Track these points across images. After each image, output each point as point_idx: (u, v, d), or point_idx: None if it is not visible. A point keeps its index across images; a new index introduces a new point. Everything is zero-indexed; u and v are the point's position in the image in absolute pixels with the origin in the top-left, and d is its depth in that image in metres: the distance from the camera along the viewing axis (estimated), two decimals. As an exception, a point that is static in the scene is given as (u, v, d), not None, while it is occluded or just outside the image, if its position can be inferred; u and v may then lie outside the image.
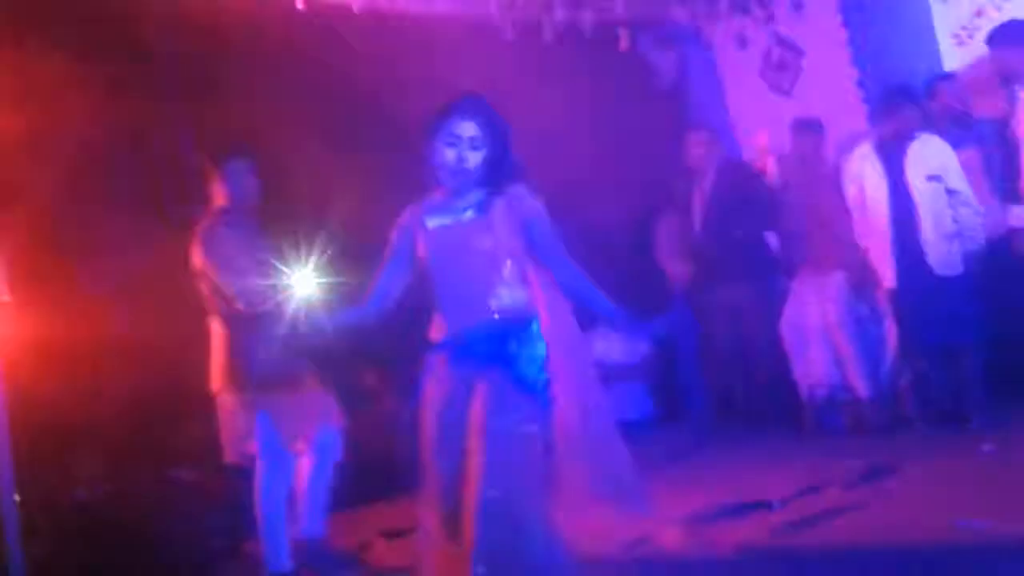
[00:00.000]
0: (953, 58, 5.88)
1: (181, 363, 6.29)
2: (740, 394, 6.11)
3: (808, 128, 5.91)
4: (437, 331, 2.93)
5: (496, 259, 2.83)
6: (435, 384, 2.89)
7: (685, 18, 6.87)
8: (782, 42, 6.97)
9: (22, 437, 4.14)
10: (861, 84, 6.37)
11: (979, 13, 5.80)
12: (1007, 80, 5.04)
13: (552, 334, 2.86)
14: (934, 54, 5.99)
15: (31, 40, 5.02)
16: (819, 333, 5.68)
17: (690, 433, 6.16)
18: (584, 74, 6.36)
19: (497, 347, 2.81)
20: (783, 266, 6.07)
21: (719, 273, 6.02)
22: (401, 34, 5.91)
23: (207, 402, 6.22)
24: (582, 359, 3.02)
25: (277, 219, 4.34)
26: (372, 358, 6.62)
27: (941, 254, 5.04)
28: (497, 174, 2.85)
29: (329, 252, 3.24)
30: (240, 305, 3.93)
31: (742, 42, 7.07)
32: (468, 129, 2.81)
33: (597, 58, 6.57)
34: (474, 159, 2.82)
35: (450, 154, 2.82)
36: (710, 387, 6.37)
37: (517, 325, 2.84)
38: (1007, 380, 5.05)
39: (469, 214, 2.87)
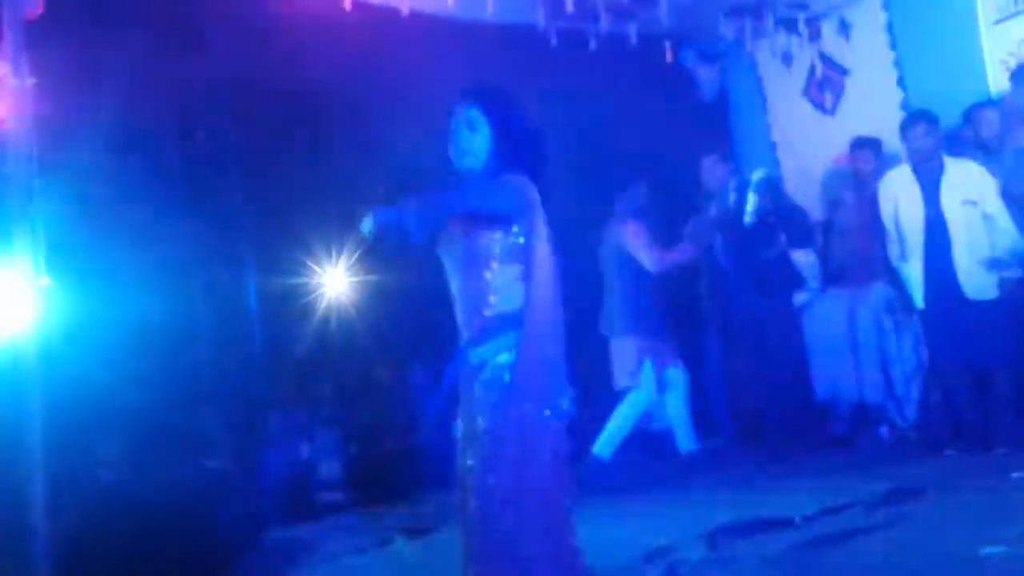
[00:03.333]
0: (1001, 84, 5.80)
1: (214, 351, 6.40)
2: (767, 411, 6.09)
3: (866, 147, 6.00)
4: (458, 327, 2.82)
5: (475, 258, 2.70)
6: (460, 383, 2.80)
7: (731, 34, 6.85)
8: (826, 61, 6.95)
9: (53, 417, 4.21)
10: (905, 106, 6.33)
11: (1028, 40, 5.75)
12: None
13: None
14: (982, 79, 5.93)
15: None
16: (846, 344, 5.69)
17: (715, 448, 6.14)
18: (628, 84, 6.38)
19: (485, 359, 2.67)
20: (824, 281, 6.10)
21: (744, 292, 6.04)
22: (447, 38, 5.96)
23: (235, 390, 6.32)
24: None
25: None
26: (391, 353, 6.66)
27: (974, 278, 5.01)
28: (501, 160, 2.72)
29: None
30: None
31: (787, 59, 7.07)
32: (466, 111, 2.75)
33: (641, 69, 6.58)
34: (471, 141, 2.74)
35: (454, 136, 2.77)
36: (736, 403, 6.37)
37: (504, 334, 2.66)
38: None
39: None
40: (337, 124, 6.71)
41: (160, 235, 5.65)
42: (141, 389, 5.31)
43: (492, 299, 2.69)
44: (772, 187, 6.28)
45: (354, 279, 8.91)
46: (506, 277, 2.69)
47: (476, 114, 2.74)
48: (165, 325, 5.89)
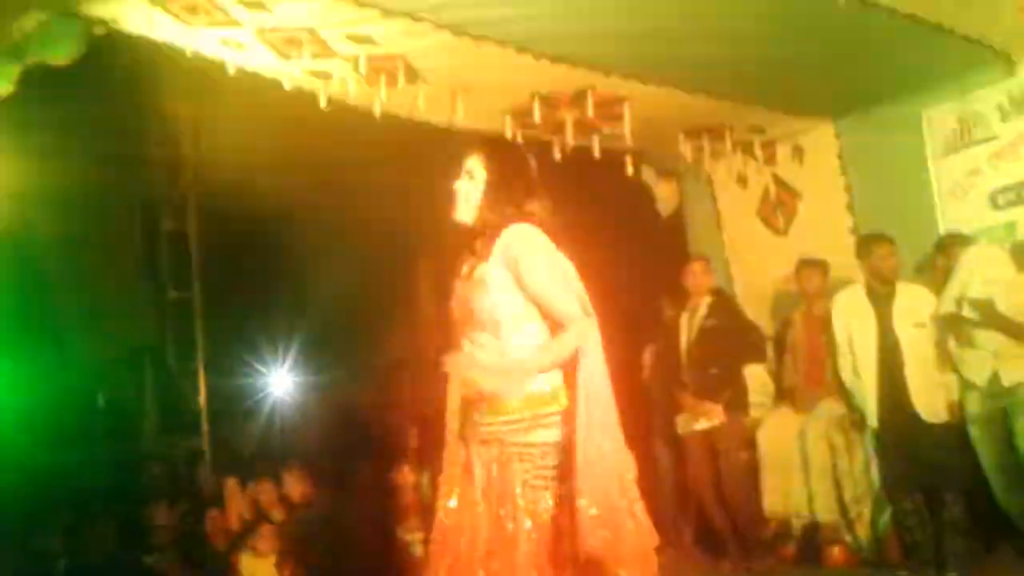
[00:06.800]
0: (949, 213, 6.07)
1: (161, 443, 6.23)
2: (718, 524, 6.08)
3: (812, 267, 6.19)
4: (461, 400, 2.75)
5: (497, 322, 2.66)
6: (455, 462, 2.72)
7: (689, 153, 7.06)
8: (780, 184, 7.18)
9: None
10: (854, 231, 6.54)
11: (974, 172, 6.02)
12: None
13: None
14: (930, 208, 6.19)
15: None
16: (795, 461, 5.76)
17: (672, 562, 6.09)
18: (590, 195, 6.52)
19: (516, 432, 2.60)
20: (780, 396, 6.18)
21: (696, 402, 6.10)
22: (418, 140, 6.06)
23: (179, 485, 6.13)
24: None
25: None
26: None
27: (927, 400, 5.12)
28: (500, 205, 2.74)
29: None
30: None
31: (742, 180, 7.28)
32: (470, 162, 2.81)
33: (603, 181, 6.74)
34: (471, 187, 2.78)
35: (458, 186, 2.81)
36: (689, 516, 6.35)
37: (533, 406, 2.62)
38: (987, 528, 5.11)
39: (469, 265, 2.76)
40: (299, 224, 6.73)
41: (116, 322, 5.55)
42: (85, 478, 5.13)
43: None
44: (724, 301, 6.42)
45: (298, 380, 8.82)
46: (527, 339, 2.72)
47: (476, 164, 2.79)
48: (112, 414, 5.74)
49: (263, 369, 8.29)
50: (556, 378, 2.68)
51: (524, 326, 2.68)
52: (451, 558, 2.61)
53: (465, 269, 2.78)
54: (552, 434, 2.63)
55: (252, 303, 7.40)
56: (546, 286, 2.67)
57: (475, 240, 2.78)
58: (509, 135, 6.27)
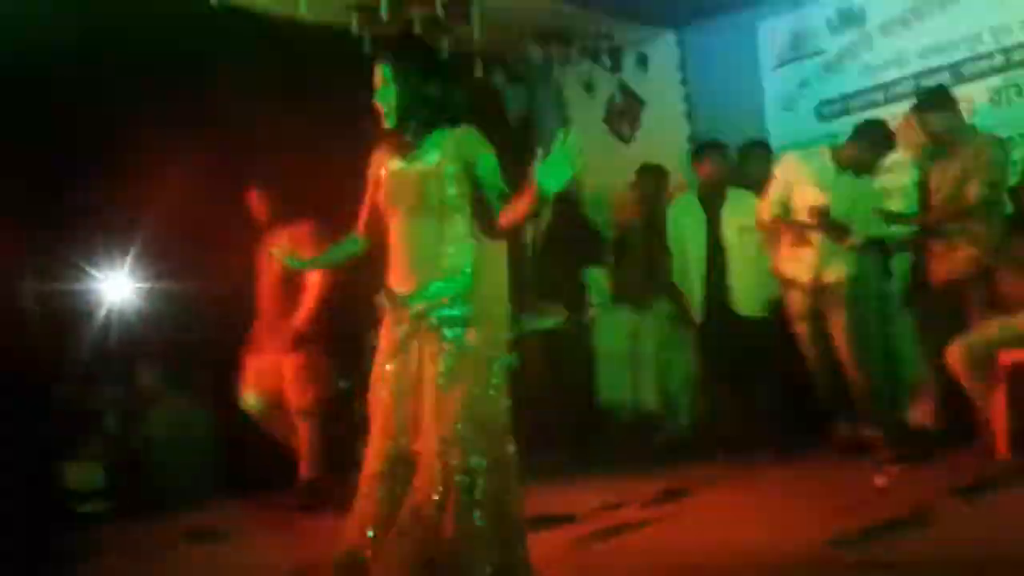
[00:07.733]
0: (778, 124, 6.36)
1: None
2: (554, 418, 6.33)
3: (650, 172, 6.34)
4: (393, 282, 2.86)
5: (442, 212, 2.79)
6: (387, 335, 2.84)
7: (539, 58, 7.11)
8: (626, 92, 7.32)
9: None
10: (692, 139, 6.78)
11: (804, 84, 6.31)
12: None
13: None
14: (761, 117, 6.46)
15: None
16: (628, 356, 6.04)
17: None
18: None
19: (445, 309, 2.76)
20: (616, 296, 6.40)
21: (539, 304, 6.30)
22: (266, 34, 5.90)
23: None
24: None
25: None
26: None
27: (747, 298, 5.50)
28: (428, 115, 2.82)
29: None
30: None
31: (589, 87, 7.38)
32: (381, 72, 2.84)
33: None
34: (389, 101, 2.82)
35: (375, 99, 2.85)
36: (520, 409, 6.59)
37: (464, 287, 2.78)
38: (796, 415, 5.46)
39: (417, 159, 2.83)
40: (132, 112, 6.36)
41: None
42: None
43: (451, 253, 2.82)
44: (566, 208, 6.57)
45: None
46: (464, 231, 2.83)
47: (389, 76, 2.81)
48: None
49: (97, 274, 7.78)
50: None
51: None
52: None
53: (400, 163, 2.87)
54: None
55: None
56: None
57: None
58: (355, 31, 6.18)
